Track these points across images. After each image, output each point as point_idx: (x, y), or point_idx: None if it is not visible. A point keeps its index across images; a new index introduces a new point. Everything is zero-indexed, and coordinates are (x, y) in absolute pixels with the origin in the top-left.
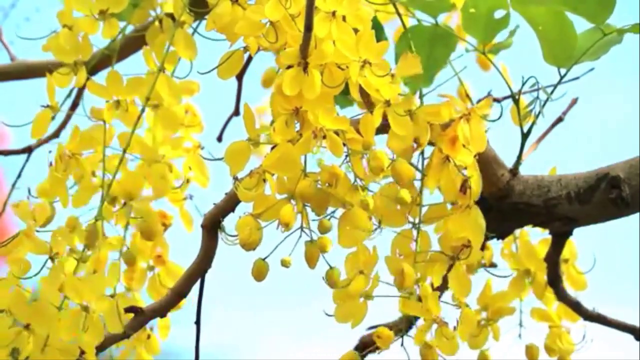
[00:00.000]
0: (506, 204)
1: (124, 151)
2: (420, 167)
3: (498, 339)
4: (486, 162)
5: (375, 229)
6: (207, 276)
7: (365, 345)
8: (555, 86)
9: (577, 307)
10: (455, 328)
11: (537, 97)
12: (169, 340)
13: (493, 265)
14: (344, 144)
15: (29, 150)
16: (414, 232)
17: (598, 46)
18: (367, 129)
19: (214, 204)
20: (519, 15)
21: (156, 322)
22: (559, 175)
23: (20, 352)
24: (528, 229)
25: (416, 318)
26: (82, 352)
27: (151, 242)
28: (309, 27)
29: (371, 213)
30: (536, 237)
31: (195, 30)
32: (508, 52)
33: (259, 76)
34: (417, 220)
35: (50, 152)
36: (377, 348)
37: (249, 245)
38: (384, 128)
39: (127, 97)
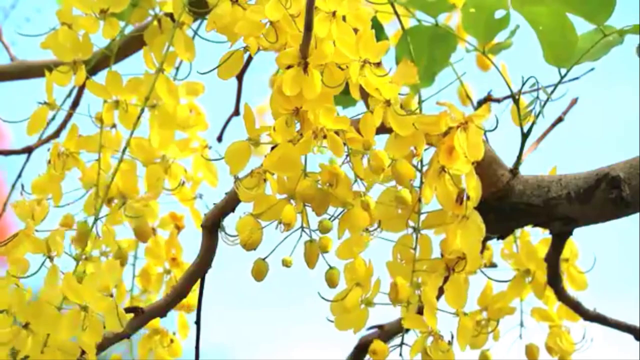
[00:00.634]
0: (506, 204)
1: (123, 152)
2: (420, 171)
3: (498, 339)
4: (486, 162)
5: (374, 231)
6: (207, 276)
7: (365, 346)
8: (555, 86)
9: (577, 307)
10: (450, 342)
11: (537, 97)
12: None
13: (493, 265)
14: (345, 144)
15: (29, 150)
16: (414, 238)
17: (598, 47)
18: (368, 128)
19: (214, 204)
20: (518, 15)
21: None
22: (559, 175)
23: (18, 352)
24: (529, 229)
25: None
26: (83, 352)
27: (165, 244)
28: (309, 27)
29: (371, 217)
30: (536, 237)
31: (195, 32)
32: (508, 52)
33: (259, 76)
34: (417, 226)
35: (48, 150)
36: None
37: (249, 246)
38: (384, 128)
39: (126, 98)
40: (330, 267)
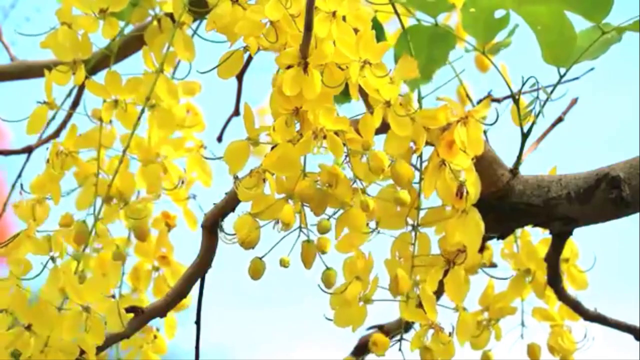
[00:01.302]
0: (506, 204)
1: (124, 151)
2: (419, 168)
3: (500, 339)
4: (486, 162)
5: (373, 231)
6: (207, 276)
7: (365, 345)
8: (555, 86)
9: (577, 307)
10: (450, 334)
11: (537, 97)
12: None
13: (493, 265)
14: (344, 144)
15: (29, 150)
16: (413, 235)
17: (597, 45)
18: (367, 129)
19: (214, 204)
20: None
21: (162, 322)
22: (559, 175)
23: (20, 353)
24: (529, 229)
25: None
26: (83, 352)
27: (155, 242)
28: (309, 27)
29: (370, 215)
30: (536, 237)
31: (195, 32)
32: (508, 52)
33: (259, 76)
34: (416, 223)
35: (47, 149)
36: None
37: (247, 244)
38: (384, 128)
39: (126, 97)
40: (327, 268)
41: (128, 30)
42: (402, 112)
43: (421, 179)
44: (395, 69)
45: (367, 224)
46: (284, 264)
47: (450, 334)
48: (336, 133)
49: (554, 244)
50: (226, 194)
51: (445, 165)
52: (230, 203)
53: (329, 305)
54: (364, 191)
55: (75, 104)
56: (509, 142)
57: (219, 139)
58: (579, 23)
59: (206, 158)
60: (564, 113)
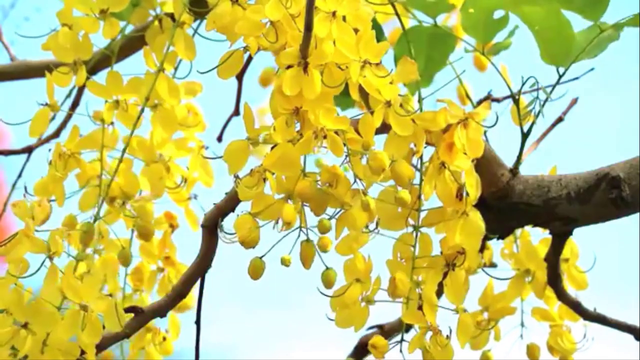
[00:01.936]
0: (506, 203)
1: (124, 151)
2: (419, 170)
3: (499, 339)
4: (486, 162)
5: (372, 232)
6: (207, 276)
7: (365, 345)
8: (554, 86)
9: (577, 307)
10: (448, 337)
11: (537, 97)
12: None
13: (493, 265)
14: (344, 144)
15: (29, 150)
16: (415, 236)
17: (595, 44)
18: (367, 129)
19: (214, 204)
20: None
21: (166, 322)
22: (559, 175)
23: (18, 352)
24: (529, 229)
25: None
26: (83, 352)
27: (158, 243)
28: (309, 27)
29: (371, 216)
30: (537, 237)
31: (195, 30)
32: (507, 52)
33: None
34: (416, 224)
35: (49, 150)
36: None
37: (247, 244)
38: (384, 128)
39: (126, 97)
40: (327, 268)
41: (128, 30)
42: (403, 112)
43: (421, 180)
44: (395, 71)
45: (367, 225)
46: (285, 263)
47: (448, 337)
48: (336, 133)
49: (554, 244)
50: (226, 194)
51: (444, 167)
52: (230, 203)
53: (329, 306)
54: (364, 192)
55: (75, 105)
56: (509, 142)
57: (219, 139)
58: (577, 23)
59: (206, 158)
60: (564, 113)
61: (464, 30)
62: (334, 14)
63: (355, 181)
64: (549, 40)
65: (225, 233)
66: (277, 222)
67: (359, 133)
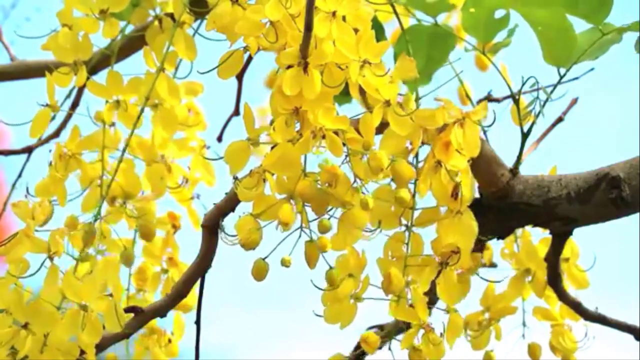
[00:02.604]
0: (506, 203)
1: (124, 151)
2: (414, 169)
3: (500, 339)
4: (486, 162)
5: (374, 231)
6: (207, 276)
7: None
8: (555, 86)
9: (577, 307)
10: (442, 334)
11: (537, 97)
12: None
13: (493, 265)
14: (344, 144)
15: (29, 150)
16: (407, 235)
17: (597, 46)
18: (367, 128)
19: (214, 204)
20: (518, 14)
21: (169, 322)
22: (559, 175)
23: (18, 352)
24: (530, 229)
25: None
26: (83, 352)
27: (161, 243)
28: (309, 27)
29: (371, 215)
30: (537, 237)
31: (195, 30)
32: (508, 52)
33: (259, 76)
34: (409, 223)
35: (50, 151)
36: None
37: (248, 245)
38: (384, 128)
39: (127, 97)
40: (331, 267)
41: (128, 30)
42: (402, 111)
43: (416, 179)
44: (394, 68)
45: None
46: (285, 264)
47: (442, 334)
48: (336, 133)
49: (554, 244)
50: (226, 194)
51: (441, 165)
52: (230, 203)
53: (320, 300)
54: (361, 189)
55: (75, 105)
56: (509, 142)
57: (219, 139)
58: (579, 23)
59: (207, 158)
60: (564, 113)
61: (464, 30)
62: (334, 14)
63: (355, 181)
64: (552, 41)
65: (227, 234)
66: (279, 223)
67: (359, 133)
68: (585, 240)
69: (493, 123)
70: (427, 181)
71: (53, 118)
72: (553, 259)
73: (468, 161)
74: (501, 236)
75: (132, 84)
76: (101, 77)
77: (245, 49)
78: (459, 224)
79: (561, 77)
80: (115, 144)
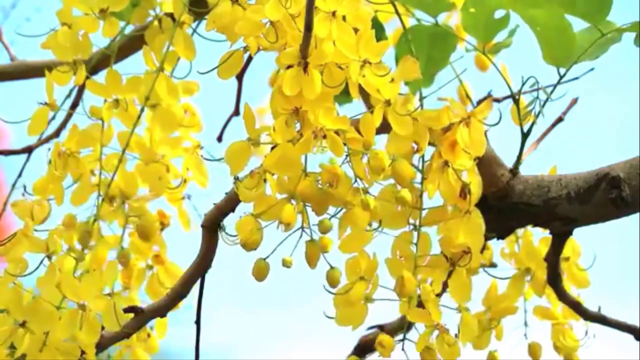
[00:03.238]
0: (506, 203)
1: (123, 151)
2: (420, 169)
3: (501, 338)
4: (486, 162)
5: (375, 230)
6: (207, 276)
7: (365, 345)
8: (554, 86)
9: (577, 307)
10: (457, 335)
11: (537, 97)
12: (169, 340)
13: (493, 265)
14: (345, 144)
15: (29, 150)
16: (415, 234)
17: (597, 46)
18: (368, 128)
19: (214, 204)
20: (518, 14)
21: (153, 321)
22: (559, 175)
23: (16, 350)
24: (531, 229)
25: None
26: (82, 352)
27: (149, 241)
28: (309, 27)
29: (371, 215)
30: (537, 237)
31: (194, 30)
32: (508, 52)
33: (259, 76)
34: (417, 223)
35: (49, 149)
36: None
37: (249, 246)
38: (384, 128)
39: (126, 97)
40: (331, 267)
41: (128, 30)
42: (403, 111)
43: (423, 179)
44: (396, 70)
45: (370, 224)
46: (286, 264)
47: (457, 335)
48: (337, 132)
49: (554, 244)
50: (226, 193)
51: (448, 165)
52: (230, 203)
53: (331, 304)
54: (365, 191)
55: (75, 104)
56: (509, 142)
57: (219, 139)
58: (579, 23)
59: (206, 159)
60: (564, 113)
61: (464, 30)
62: (334, 13)
63: (355, 180)
64: (551, 41)
65: (227, 234)
66: (280, 223)
67: (359, 132)
68: (585, 240)
69: (499, 122)
70: (435, 181)
71: (53, 118)
72: (553, 259)
73: (474, 160)
74: (501, 236)
75: (131, 83)
76: (101, 77)
77: (245, 49)
78: (468, 224)
79: (561, 77)
80: (108, 140)
